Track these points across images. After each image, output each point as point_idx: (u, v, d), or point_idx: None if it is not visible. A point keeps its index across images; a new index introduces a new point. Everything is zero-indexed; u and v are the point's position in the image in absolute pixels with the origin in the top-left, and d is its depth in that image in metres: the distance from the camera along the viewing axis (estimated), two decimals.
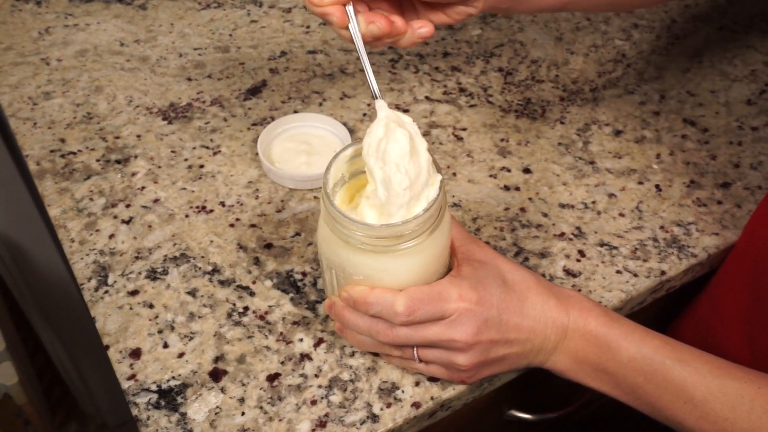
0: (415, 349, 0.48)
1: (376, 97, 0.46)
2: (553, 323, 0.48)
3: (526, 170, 0.67)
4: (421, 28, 0.49)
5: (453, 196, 0.64)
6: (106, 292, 0.56)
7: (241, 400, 0.50)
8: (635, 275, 0.59)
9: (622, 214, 0.64)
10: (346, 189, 0.49)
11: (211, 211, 0.62)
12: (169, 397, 0.50)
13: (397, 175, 0.42)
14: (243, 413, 0.49)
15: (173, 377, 0.51)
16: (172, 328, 0.54)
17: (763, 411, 0.44)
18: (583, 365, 0.48)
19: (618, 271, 0.59)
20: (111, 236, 0.60)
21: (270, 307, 0.55)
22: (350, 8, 0.47)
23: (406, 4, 0.52)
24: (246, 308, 0.55)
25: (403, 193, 0.43)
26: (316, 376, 0.51)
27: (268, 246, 0.60)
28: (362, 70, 0.76)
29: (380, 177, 0.43)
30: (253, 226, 0.61)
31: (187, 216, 0.62)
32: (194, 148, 0.68)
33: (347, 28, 0.47)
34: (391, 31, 0.48)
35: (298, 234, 0.61)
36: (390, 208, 0.44)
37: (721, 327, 0.59)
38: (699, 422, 0.45)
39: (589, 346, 0.48)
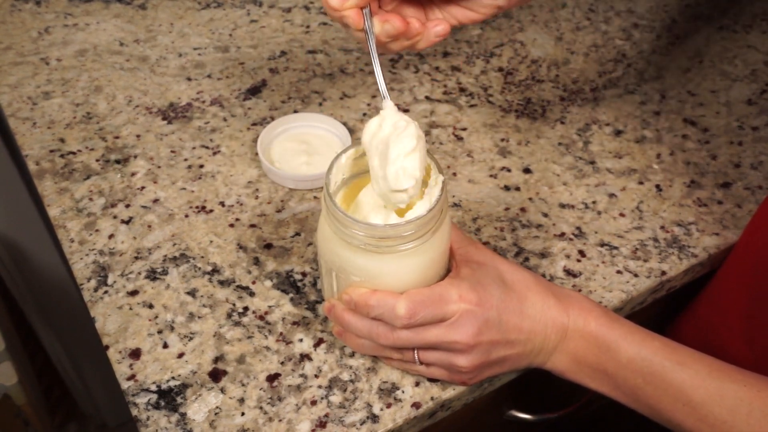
0: (415, 351, 0.48)
1: (384, 98, 0.46)
2: (553, 323, 0.48)
3: (527, 170, 0.67)
4: (437, 26, 0.49)
5: (453, 196, 0.64)
6: (106, 292, 0.56)
7: (241, 401, 0.50)
8: (636, 275, 0.59)
9: (622, 214, 0.64)
10: (347, 190, 0.49)
11: (211, 211, 0.62)
12: (169, 398, 0.50)
13: (395, 172, 0.42)
14: (243, 413, 0.49)
15: (173, 377, 0.51)
16: (172, 329, 0.54)
17: (762, 414, 0.44)
18: (583, 366, 0.48)
19: (618, 272, 0.59)
20: (111, 236, 0.60)
21: (270, 307, 0.55)
22: (366, 10, 0.47)
23: (431, 6, 0.51)
24: (246, 308, 0.55)
25: (400, 188, 0.43)
26: (316, 376, 0.51)
27: (268, 246, 0.59)
28: (363, 71, 0.76)
29: (377, 171, 0.43)
30: (252, 226, 0.61)
31: (186, 216, 0.62)
32: (194, 148, 0.68)
33: (363, 30, 0.47)
34: (406, 30, 0.47)
35: (298, 234, 0.60)
36: (385, 198, 0.44)
37: (721, 327, 0.59)
38: (697, 425, 0.45)
39: (589, 346, 0.48)
